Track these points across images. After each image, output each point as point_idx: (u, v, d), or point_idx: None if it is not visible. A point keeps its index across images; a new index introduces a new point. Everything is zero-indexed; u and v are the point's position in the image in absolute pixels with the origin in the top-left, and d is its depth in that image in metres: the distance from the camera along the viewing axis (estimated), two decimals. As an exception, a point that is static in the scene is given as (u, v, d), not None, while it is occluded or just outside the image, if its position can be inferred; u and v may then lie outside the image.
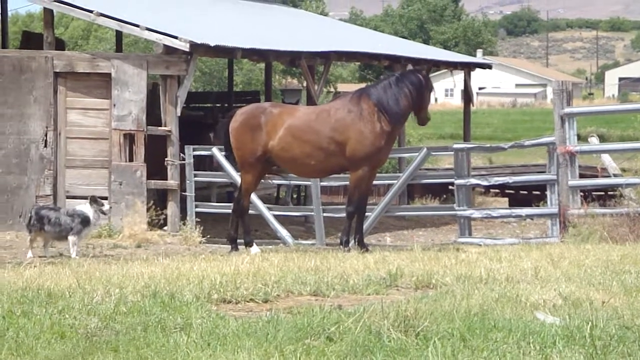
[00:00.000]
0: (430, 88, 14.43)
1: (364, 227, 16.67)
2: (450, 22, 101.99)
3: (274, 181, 17.11)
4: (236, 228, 14.67)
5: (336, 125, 14.05)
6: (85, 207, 14.69)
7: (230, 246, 14.64)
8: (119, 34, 26.73)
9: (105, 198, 18.43)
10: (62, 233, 14.56)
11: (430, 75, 15.09)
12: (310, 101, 21.51)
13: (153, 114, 18.74)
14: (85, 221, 14.51)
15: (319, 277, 9.00)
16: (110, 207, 15.41)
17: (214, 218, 18.99)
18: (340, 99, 14.84)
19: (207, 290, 8.26)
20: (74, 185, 18.70)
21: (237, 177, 17.51)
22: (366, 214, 16.99)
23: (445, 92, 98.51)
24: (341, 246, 14.07)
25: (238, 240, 14.64)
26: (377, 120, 13.98)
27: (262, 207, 17.83)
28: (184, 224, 18.04)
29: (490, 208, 20.01)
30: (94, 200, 14.73)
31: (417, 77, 14.28)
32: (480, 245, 14.63)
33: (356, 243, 14.18)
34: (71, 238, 14.45)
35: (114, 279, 9.13)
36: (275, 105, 15.14)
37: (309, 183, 18.09)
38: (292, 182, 19.79)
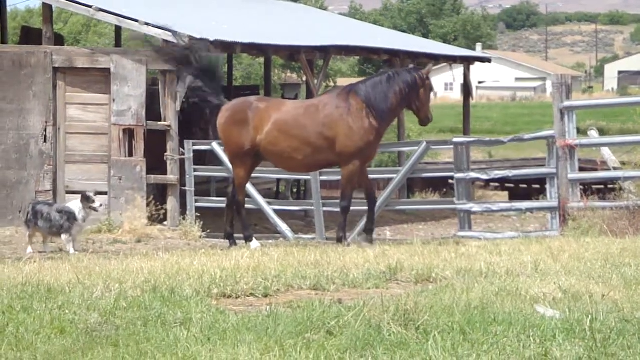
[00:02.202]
0: (428, 87, 14.45)
1: (363, 222, 16.72)
2: (450, 16, 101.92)
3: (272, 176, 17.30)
4: (232, 223, 14.68)
5: (325, 120, 14.16)
6: (74, 204, 14.68)
7: (228, 242, 14.63)
8: (118, 29, 26.74)
9: (105, 193, 18.45)
10: (52, 229, 14.59)
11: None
12: (310, 95, 21.51)
13: (152, 109, 18.74)
14: (72, 218, 14.48)
15: (319, 271, 9.00)
16: (101, 205, 15.13)
17: (213, 213, 18.97)
18: (327, 94, 14.97)
19: (207, 285, 8.26)
20: (73, 180, 18.71)
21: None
22: (366, 208, 17.02)
23: (444, 86, 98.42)
24: (339, 243, 14.15)
25: (237, 235, 14.64)
26: (366, 116, 14.13)
27: (262, 201, 17.83)
28: (183, 219, 18.06)
29: (490, 202, 20.01)
30: (85, 198, 14.68)
31: (412, 75, 14.33)
32: (480, 239, 14.62)
33: (365, 233, 14.34)
34: (63, 236, 14.47)
35: (114, 274, 9.13)
36: (262, 100, 15.13)
37: (309, 177, 18.08)
38: (292, 176, 19.81)
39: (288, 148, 14.20)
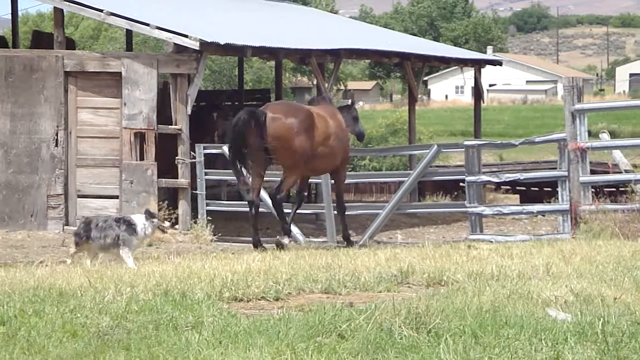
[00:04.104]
0: None
1: (376, 224, 16.79)
2: (460, 19, 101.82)
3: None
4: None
5: (345, 129, 15.38)
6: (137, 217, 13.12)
7: (287, 238, 14.80)
8: (129, 33, 26.76)
9: (116, 197, 18.49)
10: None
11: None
12: (321, 99, 21.47)
13: (164, 113, 18.76)
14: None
15: (330, 274, 9.00)
16: (172, 224, 13.90)
17: (224, 216, 19.00)
18: (334, 106, 15.70)
19: (218, 288, 8.27)
20: (85, 184, 18.74)
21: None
22: (378, 211, 17.15)
23: (455, 89, 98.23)
24: (348, 243, 14.44)
25: (244, 238, 14.81)
26: None
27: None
28: (195, 223, 18.06)
29: (501, 205, 19.96)
30: (150, 214, 13.12)
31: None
32: (491, 242, 14.61)
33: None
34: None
35: (125, 277, 9.14)
36: (303, 105, 15.61)
37: (320, 181, 18.10)
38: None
39: (335, 152, 15.04)
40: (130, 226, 12.61)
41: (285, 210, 18.08)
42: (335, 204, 16.14)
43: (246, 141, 14.08)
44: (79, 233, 12.71)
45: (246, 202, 15.00)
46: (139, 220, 12.72)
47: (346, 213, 17.30)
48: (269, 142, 14.10)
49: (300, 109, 14.71)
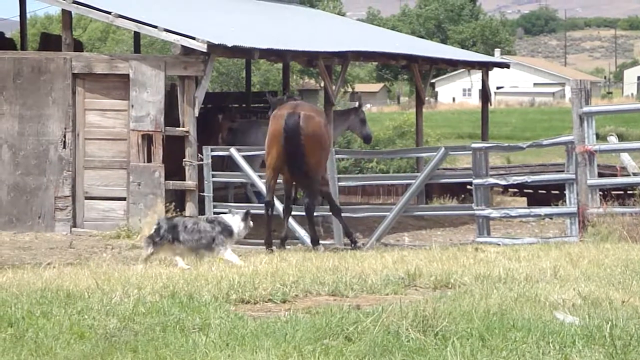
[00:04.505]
0: None
1: (383, 226, 16.78)
2: (468, 21, 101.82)
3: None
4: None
5: None
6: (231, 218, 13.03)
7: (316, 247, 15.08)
8: (137, 35, 26.79)
9: (124, 199, 18.51)
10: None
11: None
12: (328, 101, 21.50)
13: (171, 115, 18.78)
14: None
15: (338, 277, 9.00)
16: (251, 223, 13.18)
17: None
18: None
19: (225, 290, 8.28)
20: (92, 186, 18.76)
21: (256, 178, 17.58)
22: (385, 213, 17.13)
23: (463, 92, 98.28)
24: (353, 245, 14.55)
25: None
26: None
27: (280, 207, 17.81)
28: (202, 225, 18.05)
29: (508, 207, 19.92)
30: (246, 215, 12.98)
31: None
32: (498, 244, 14.60)
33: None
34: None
35: (132, 279, 9.15)
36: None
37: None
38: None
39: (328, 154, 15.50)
40: (227, 228, 12.53)
41: (295, 213, 18.20)
42: (329, 207, 16.18)
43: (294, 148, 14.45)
44: (161, 235, 12.33)
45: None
46: (234, 221, 12.65)
47: (353, 215, 17.32)
48: (305, 142, 14.40)
49: (318, 108, 15.28)
